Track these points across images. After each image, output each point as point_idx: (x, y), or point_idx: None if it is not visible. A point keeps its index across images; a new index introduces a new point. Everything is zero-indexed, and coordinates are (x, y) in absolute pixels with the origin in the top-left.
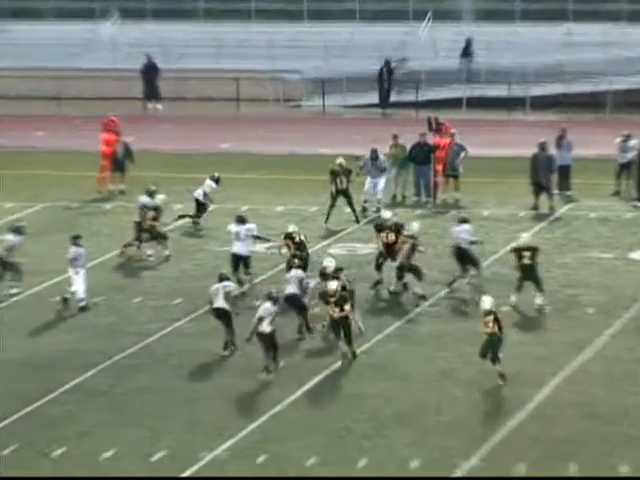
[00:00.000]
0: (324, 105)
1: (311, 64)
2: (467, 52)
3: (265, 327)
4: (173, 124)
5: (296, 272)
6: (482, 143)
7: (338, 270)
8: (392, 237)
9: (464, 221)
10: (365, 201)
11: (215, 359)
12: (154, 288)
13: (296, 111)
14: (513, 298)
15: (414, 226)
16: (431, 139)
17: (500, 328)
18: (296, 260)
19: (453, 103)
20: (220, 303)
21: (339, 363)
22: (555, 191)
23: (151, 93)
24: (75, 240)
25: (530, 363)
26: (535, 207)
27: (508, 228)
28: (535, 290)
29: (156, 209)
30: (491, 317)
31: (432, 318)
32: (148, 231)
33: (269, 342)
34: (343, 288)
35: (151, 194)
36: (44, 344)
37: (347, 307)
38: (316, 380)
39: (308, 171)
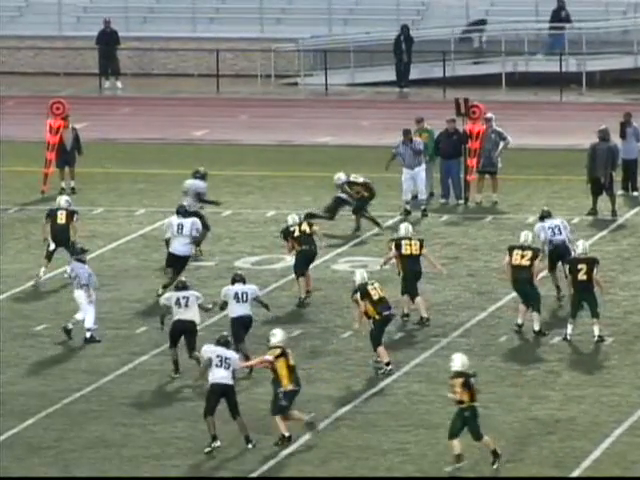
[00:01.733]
0: (326, 83)
1: (310, 31)
2: (560, 15)
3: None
4: (135, 107)
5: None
6: (526, 131)
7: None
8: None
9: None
10: (407, 202)
11: (187, 404)
12: (111, 314)
13: (291, 90)
14: (569, 328)
15: (357, 276)
16: (462, 126)
17: (473, 396)
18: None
19: (489, 80)
20: (189, 315)
21: (344, 409)
22: (619, 191)
23: (109, 68)
24: (78, 254)
25: (587, 409)
26: (593, 211)
27: None
28: (591, 316)
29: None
30: (459, 380)
31: (463, 352)
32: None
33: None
34: None
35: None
36: None
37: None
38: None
39: (305, 166)
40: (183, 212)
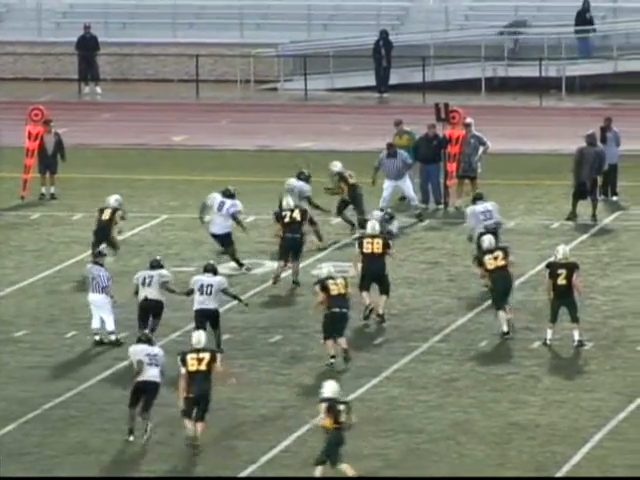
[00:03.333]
0: (306, 88)
1: (290, 37)
2: (585, 18)
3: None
4: (115, 112)
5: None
6: (506, 135)
7: None
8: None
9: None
10: (381, 209)
11: (167, 410)
12: (91, 319)
13: (271, 96)
14: (549, 333)
15: (323, 270)
16: (441, 131)
17: (337, 421)
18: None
19: (469, 86)
20: (151, 293)
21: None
22: (599, 196)
23: (88, 73)
24: (96, 256)
25: (567, 414)
26: (572, 215)
27: (540, 243)
28: (571, 320)
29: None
30: (323, 406)
31: (442, 357)
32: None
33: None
34: None
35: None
36: None
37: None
38: (293, 436)
39: (286, 171)
40: (211, 270)
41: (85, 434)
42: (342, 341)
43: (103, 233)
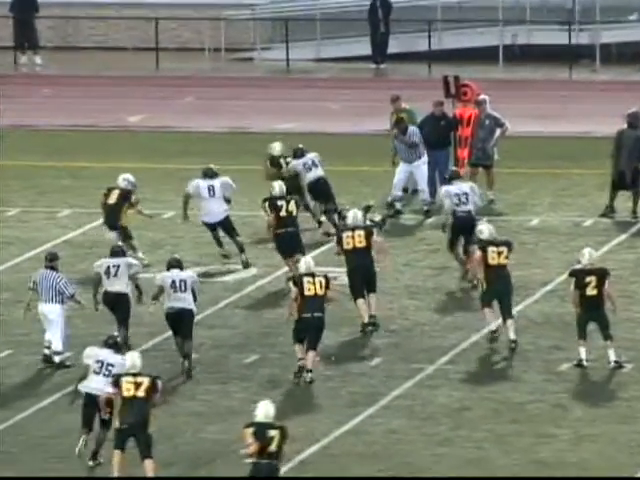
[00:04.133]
0: (288, 58)
1: None
2: None
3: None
4: (57, 87)
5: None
6: (528, 115)
7: None
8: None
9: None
10: (396, 199)
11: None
12: (28, 336)
13: (245, 67)
14: (582, 352)
15: (301, 264)
16: (451, 110)
17: (266, 450)
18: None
19: (484, 55)
20: (118, 286)
21: (309, 450)
22: None
23: (25, 40)
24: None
25: (602, 450)
26: (610, 210)
27: (568, 244)
28: (603, 338)
29: None
30: (249, 430)
31: (451, 381)
32: None
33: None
34: None
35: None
36: None
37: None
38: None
39: (262, 157)
40: (210, 174)
41: (18, 473)
42: (311, 356)
43: (111, 220)
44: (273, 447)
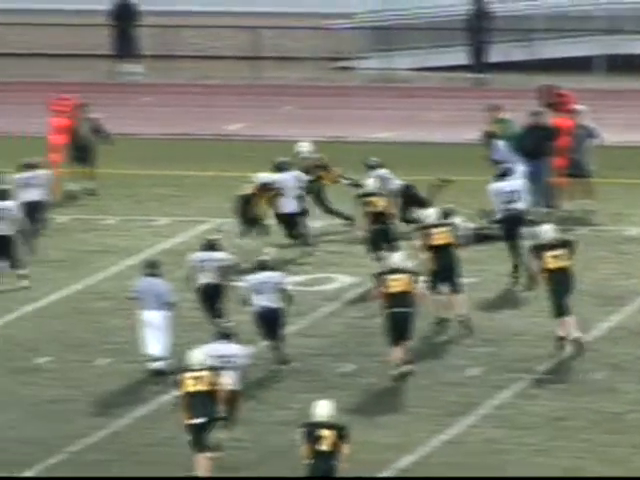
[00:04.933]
0: (388, 67)
1: (368, 5)
2: None
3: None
4: (157, 95)
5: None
6: (627, 125)
7: None
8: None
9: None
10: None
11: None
12: (129, 344)
13: (345, 76)
14: None
15: None
16: (550, 120)
17: (316, 449)
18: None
19: (583, 64)
20: (211, 279)
21: (407, 459)
22: None
23: (125, 49)
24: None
25: None
26: None
27: None
28: None
29: None
30: (301, 430)
31: (550, 391)
32: None
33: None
34: None
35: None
36: None
37: None
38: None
39: (362, 166)
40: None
41: None
42: (406, 347)
43: (244, 213)
44: (324, 447)
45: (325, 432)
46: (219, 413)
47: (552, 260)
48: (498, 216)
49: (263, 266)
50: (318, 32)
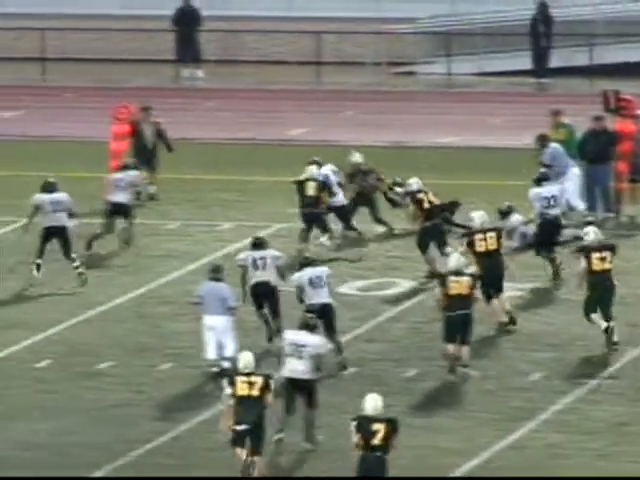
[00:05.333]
0: (449, 72)
1: (430, 10)
2: None
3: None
4: (219, 100)
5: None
6: None
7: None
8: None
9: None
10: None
11: (287, 456)
12: (192, 348)
13: (407, 81)
14: None
15: None
16: (611, 125)
17: (369, 444)
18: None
19: None
20: (267, 277)
21: (469, 464)
22: None
23: (188, 54)
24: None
25: None
26: None
27: None
28: None
29: None
30: (354, 424)
31: (612, 396)
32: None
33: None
34: None
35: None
36: (15, 431)
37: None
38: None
39: (424, 171)
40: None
41: None
42: (465, 351)
43: (310, 214)
44: (376, 441)
45: (378, 426)
46: (263, 421)
47: (598, 262)
48: (537, 221)
49: (309, 262)
50: (380, 37)
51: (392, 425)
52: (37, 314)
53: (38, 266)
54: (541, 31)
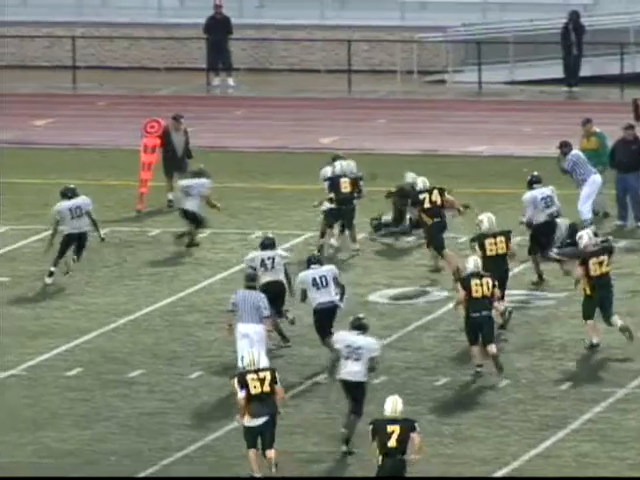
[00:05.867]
0: (480, 81)
1: (461, 18)
2: None
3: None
4: (250, 108)
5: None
6: None
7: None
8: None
9: None
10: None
11: (321, 465)
12: (222, 357)
13: (437, 89)
14: None
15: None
16: None
17: (386, 446)
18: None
19: None
20: (277, 276)
21: (500, 472)
22: None
23: (219, 62)
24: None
25: None
26: None
27: None
28: None
29: None
30: (370, 427)
31: None
32: None
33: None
34: None
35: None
36: (47, 438)
37: None
38: None
39: (455, 180)
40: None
41: None
42: (492, 348)
43: (348, 210)
44: (392, 442)
45: (393, 427)
46: (276, 414)
47: (597, 267)
48: (534, 224)
49: (315, 260)
50: (410, 45)
51: (408, 426)
52: (68, 322)
53: (51, 273)
54: (573, 40)
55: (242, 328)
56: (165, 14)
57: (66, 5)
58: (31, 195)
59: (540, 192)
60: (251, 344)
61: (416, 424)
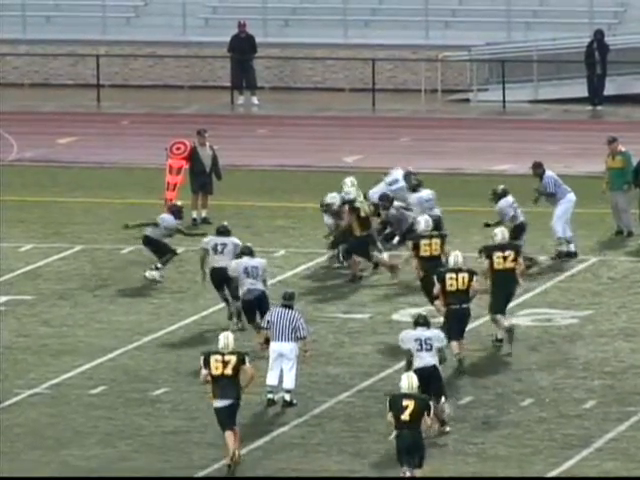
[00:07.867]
0: (504, 100)
1: (485, 37)
2: None
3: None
4: (274, 127)
5: None
6: None
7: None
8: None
9: None
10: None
11: None
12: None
13: (461, 108)
14: None
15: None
16: None
17: (399, 419)
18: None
19: None
20: (224, 262)
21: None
22: None
23: (243, 80)
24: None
25: None
26: None
27: None
28: None
29: None
30: (388, 400)
31: None
32: None
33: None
34: None
35: None
36: (70, 457)
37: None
38: None
39: (478, 199)
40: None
41: None
42: (455, 345)
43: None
44: (405, 416)
45: (408, 402)
46: (240, 397)
47: (500, 261)
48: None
49: (247, 251)
50: (434, 64)
51: (423, 403)
52: (92, 340)
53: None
54: (597, 58)
55: (276, 346)
56: (189, 32)
57: (90, 23)
58: (55, 213)
59: (511, 199)
60: (283, 363)
61: (431, 403)
